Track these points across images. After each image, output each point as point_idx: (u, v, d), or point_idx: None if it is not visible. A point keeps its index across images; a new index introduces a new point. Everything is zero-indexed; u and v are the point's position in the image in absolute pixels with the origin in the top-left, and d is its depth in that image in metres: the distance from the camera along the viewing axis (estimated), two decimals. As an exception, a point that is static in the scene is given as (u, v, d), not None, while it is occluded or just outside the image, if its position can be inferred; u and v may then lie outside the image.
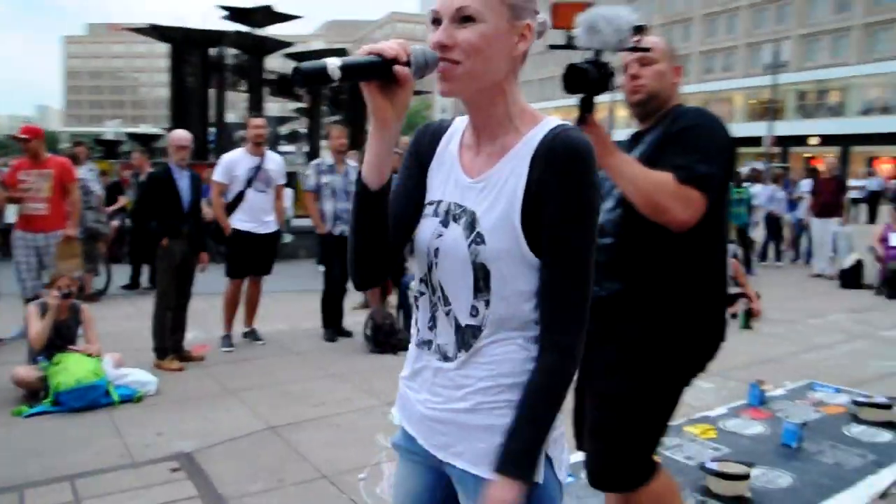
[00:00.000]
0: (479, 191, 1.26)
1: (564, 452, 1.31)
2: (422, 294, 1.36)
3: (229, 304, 5.76)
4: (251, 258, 5.73)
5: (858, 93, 45.13)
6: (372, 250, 1.31)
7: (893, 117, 42.19)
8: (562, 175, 1.18)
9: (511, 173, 1.23)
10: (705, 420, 4.20)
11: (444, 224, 1.28)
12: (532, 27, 1.23)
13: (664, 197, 1.85)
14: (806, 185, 12.30)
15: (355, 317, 6.54)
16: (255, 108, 15.39)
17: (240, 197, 5.68)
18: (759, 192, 11.80)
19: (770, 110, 33.09)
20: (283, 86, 17.31)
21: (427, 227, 1.31)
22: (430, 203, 1.33)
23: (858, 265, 9.51)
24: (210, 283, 5.91)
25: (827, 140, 44.41)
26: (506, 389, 1.24)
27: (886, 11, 42.97)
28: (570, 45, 1.71)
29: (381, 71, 1.13)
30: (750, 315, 6.94)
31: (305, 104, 19.39)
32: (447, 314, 1.29)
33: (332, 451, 3.70)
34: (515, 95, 1.27)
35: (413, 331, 1.41)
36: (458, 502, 1.37)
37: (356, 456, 3.62)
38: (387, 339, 5.76)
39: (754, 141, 35.65)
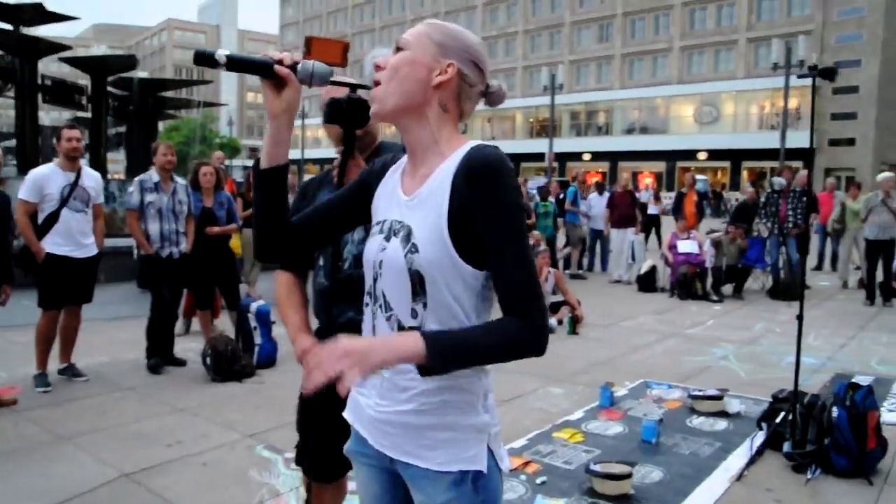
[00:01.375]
0: (412, 207, 1.41)
1: (502, 448, 1.47)
2: (366, 305, 1.49)
3: (43, 338, 5.05)
4: (69, 285, 5.07)
5: (622, 114, 50.27)
6: (270, 225, 1.49)
7: (652, 136, 47.54)
8: (481, 186, 1.32)
9: (437, 190, 1.38)
10: (568, 425, 4.41)
11: (387, 239, 1.43)
12: (455, 66, 1.40)
13: None
14: (595, 198, 13.32)
15: (180, 343, 6.06)
16: (29, 117, 13.75)
17: (53, 218, 5.01)
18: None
19: (548, 128, 35.84)
20: (60, 93, 15.61)
21: (373, 244, 1.46)
22: (377, 223, 1.50)
23: (652, 270, 10.56)
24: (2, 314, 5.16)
25: (598, 156, 49.04)
26: (445, 390, 1.37)
27: (640, 44, 48.41)
28: (341, 82, 1.73)
29: (263, 69, 1.40)
30: (575, 321, 7.41)
31: (87, 114, 17.65)
32: (388, 319, 1.42)
33: (206, 494, 3.37)
34: (442, 124, 1.43)
35: None
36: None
37: (236, 497, 3.33)
38: (230, 366, 5.38)
39: (538, 156, 38.25)
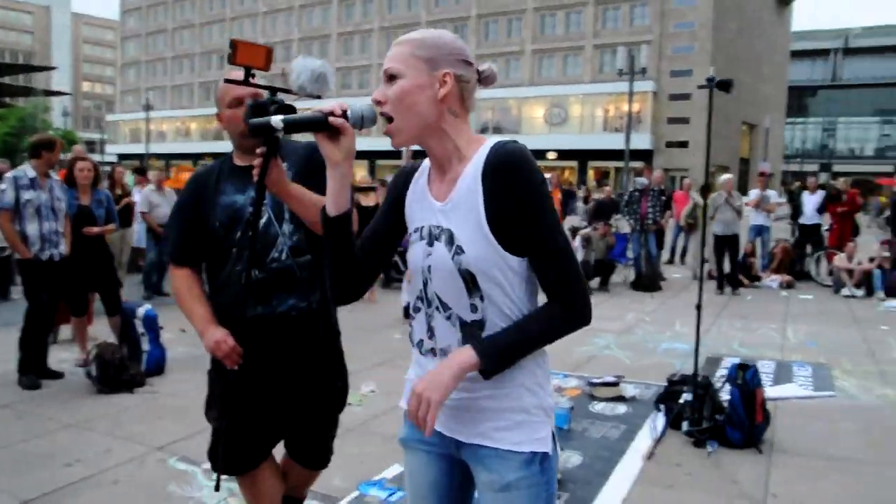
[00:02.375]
0: (448, 212, 1.49)
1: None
2: (417, 310, 1.57)
3: None
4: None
5: (476, 114, 51.42)
6: (343, 268, 1.54)
7: (505, 136, 48.93)
8: (507, 181, 1.41)
9: (469, 192, 1.46)
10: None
11: (430, 244, 1.51)
12: (451, 74, 1.46)
13: None
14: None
15: (51, 354, 5.57)
16: None
17: None
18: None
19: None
20: None
21: (417, 251, 1.54)
22: (416, 230, 1.56)
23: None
24: None
25: (454, 155, 49.85)
26: (518, 374, 1.47)
27: (494, 46, 49.89)
28: (246, 82, 1.89)
29: (319, 124, 1.44)
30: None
31: None
32: (448, 318, 1.50)
33: (128, 514, 3.16)
34: (459, 131, 1.50)
35: (415, 343, 1.60)
36: (469, 487, 1.61)
37: (162, 514, 3.16)
38: (118, 375, 5.04)
39: (394, 154, 38.48)
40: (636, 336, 7.20)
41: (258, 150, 1.81)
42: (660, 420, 4.35)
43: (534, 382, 1.49)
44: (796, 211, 12.79)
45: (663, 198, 10.92)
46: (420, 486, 1.64)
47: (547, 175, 14.63)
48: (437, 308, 1.51)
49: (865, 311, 9.03)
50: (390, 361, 5.86)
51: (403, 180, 1.63)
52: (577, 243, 10.60)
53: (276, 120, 1.46)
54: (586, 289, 1.47)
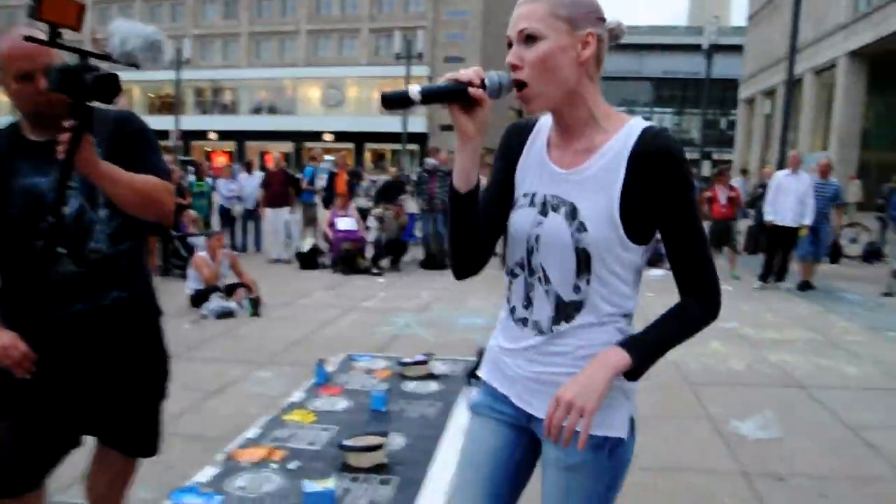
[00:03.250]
0: (574, 183, 1.39)
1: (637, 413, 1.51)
2: (516, 276, 1.50)
3: None
4: None
5: (248, 93, 49.61)
6: (469, 244, 1.48)
7: (279, 117, 47.77)
8: (665, 174, 1.35)
9: (607, 169, 1.37)
10: (295, 406, 4.26)
11: (543, 213, 1.42)
12: (594, 34, 1.36)
13: (163, 194, 1.97)
14: (245, 178, 12.91)
15: None
16: None
17: None
18: (221, 186, 12.07)
19: (172, 105, 33.77)
20: None
21: (524, 217, 1.44)
22: (525, 195, 1.46)
23: (315, 248, 10.68)
24: None
25: (224, 135, 47.70)
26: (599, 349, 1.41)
27: (268, 24, 48.20)
28: (54, 42, 1.63)
29: (458, 94, 1.33)
30: (256, 303, 7.17)
31: None
32: (547, 292, 1.44)
33: None
34: (596, 98, 1.41)
35: (509, 309, 1.54)
36: (528, 466, 1.58)
37: None
38: None
39: (161, 134, 35.67)
40: (434, 313, 7.29)
41: (67, 124, 1.52)
42: (475, 394, 4.38)
43: None
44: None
45: (451, 178, 11.19)
46: (478, 453, 1.58)
47: (329, 157, 14.41)
48: (540, 279, 1.44)
49: (630, 281, 9.99)
50: (184, 354, 5.36)
51: (517, 140, 1.53)
52: (370, 223, 10.54)
53: (415, 91, 1.30)
54: (719, 282, 1.43)
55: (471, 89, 1.32)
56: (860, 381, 5.15)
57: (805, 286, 9.32)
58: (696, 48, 60.71)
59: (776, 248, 9.30)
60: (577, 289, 1.40)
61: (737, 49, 42.57)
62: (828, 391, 4.86)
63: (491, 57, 44.21)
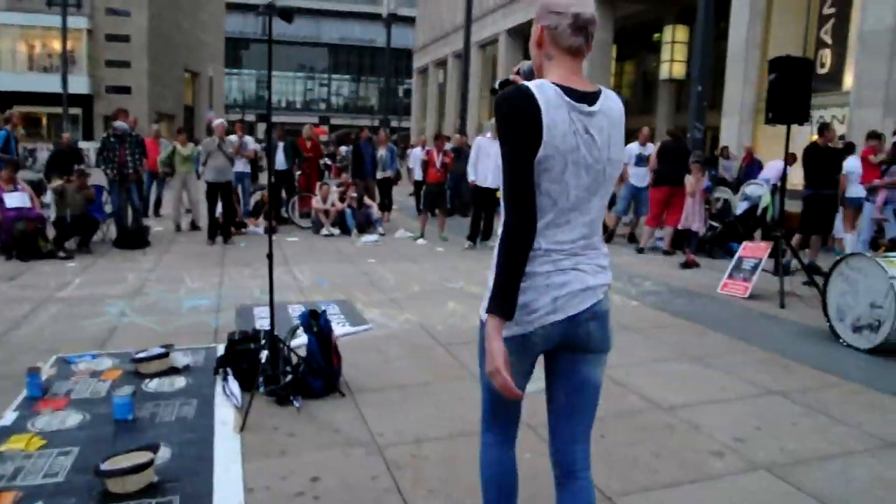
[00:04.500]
0: None
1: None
2: None
3: None
4: None
5: None
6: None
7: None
8: None
9: None
10: (11, 432, 3.43)
11: None
12: (539, 26, 1.87)
13: None
14: None
15: None
16: None
17: None
18: None
19: None
20: None
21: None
22: None
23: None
24: None
25: None
26: None
27: None
28: None
29: (508, 82, 1.97)
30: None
31: None
32: None
33: None
34: (550, 73, 1.86)
35: None
36: None
37: None
38: None
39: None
40: (151, 298, 6.48)
41: None
42: (233, 385, 3.96)
43: None
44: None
45: (142, 145, 10.03)
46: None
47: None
48: None
49: (348, 248, 9.98)
50: None
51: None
52: (47, 199, 9.00)
53: (497, 84, 2.03)
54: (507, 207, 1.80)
55: (512, 76, 2.02)
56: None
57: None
58: (371, 16, 62.75)
59: (480, 209, 9.98)
60: None
61: (411, 20, 44.67)
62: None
63: (159, 13, 40.61)
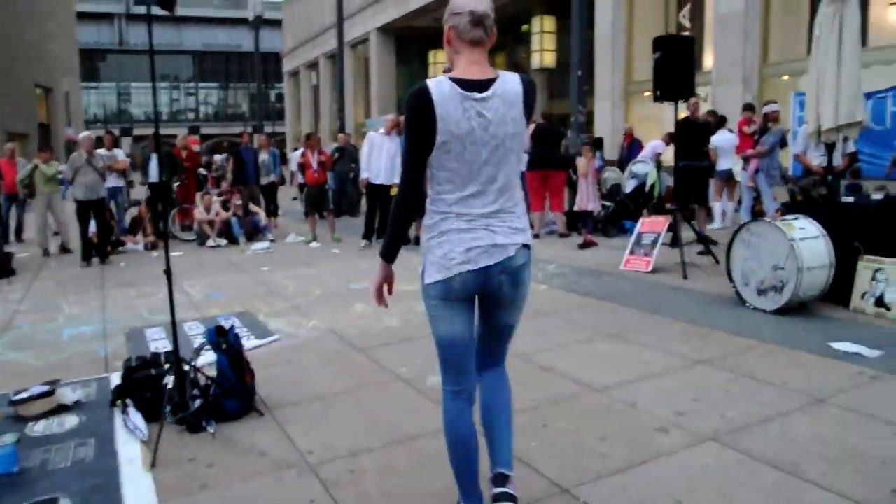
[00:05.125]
0: None
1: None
2: None
3: None
4: None
5: None
6: None
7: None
8: None
9: None
10: None
11: None
12: (447, 26, 2.19)
13: None
14: None
15: None
16: None
17: None
18: None
19: None
20: None
21: None
22: None
23: None
24: None
25: None
26: None
27: None
28: None
29: None
30: None
31: None
32: None
33: None
34: (458, 66, 2.19)
35: None
36: None
37: None
38: None
39: None
40: (23, 330, 5.81)
41: None
42: (136, 417, 3.54)
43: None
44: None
45: None
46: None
47: None
48: None
49: (238, 258, 9.46)
50: None
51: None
52: None
53: None
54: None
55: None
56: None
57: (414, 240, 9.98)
58: (236, 21, 60.51)
59: (374, 206, 9.71)
60: None
61: (278, 23, 43.47)
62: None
63: (1, 24, 37.43)
